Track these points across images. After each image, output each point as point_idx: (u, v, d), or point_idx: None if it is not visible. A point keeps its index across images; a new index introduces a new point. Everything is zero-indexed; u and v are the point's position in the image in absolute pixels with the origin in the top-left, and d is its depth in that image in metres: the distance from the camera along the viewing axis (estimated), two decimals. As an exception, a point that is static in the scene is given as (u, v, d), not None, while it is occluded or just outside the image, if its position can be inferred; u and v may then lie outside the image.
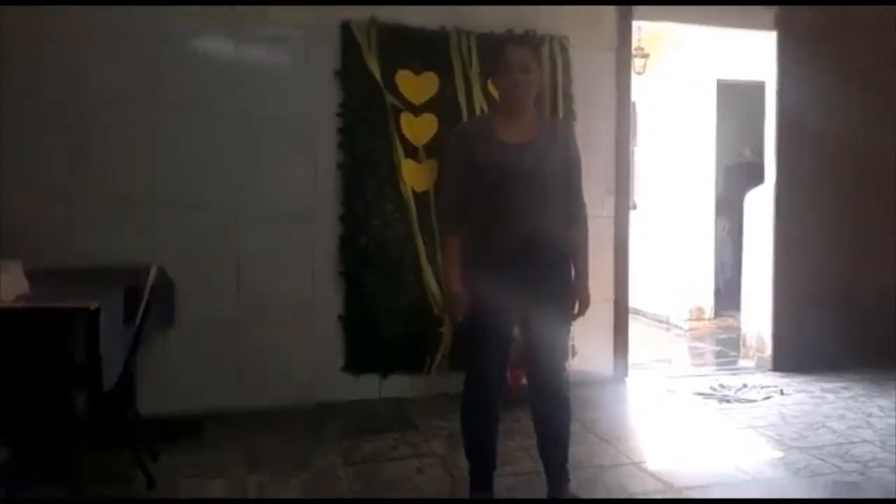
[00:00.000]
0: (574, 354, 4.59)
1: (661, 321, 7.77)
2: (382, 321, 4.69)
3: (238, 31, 4.52)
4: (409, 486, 3.46)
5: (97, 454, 3.64)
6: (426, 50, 4.74)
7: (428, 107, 4.74)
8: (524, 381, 4.36)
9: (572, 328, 3.24)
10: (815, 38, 5.48)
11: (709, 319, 7.56)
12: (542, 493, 3.26)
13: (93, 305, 2.85)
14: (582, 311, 3.15)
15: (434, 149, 4.70)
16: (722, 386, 5.15)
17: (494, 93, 4.64)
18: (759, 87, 5.94)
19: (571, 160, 3.09)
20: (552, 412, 3.16)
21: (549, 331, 3.07)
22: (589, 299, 3.15)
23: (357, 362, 4.72)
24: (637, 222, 5.99)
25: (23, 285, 3.01)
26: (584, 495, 3.19)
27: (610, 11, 5.19)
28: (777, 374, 5.47)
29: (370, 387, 4.77)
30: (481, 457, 3.16)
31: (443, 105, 4.74)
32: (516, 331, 3.14)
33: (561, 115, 4.93)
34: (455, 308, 3.03)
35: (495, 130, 3.02)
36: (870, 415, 4.50)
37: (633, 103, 5.61)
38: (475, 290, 3.00)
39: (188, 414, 4.28)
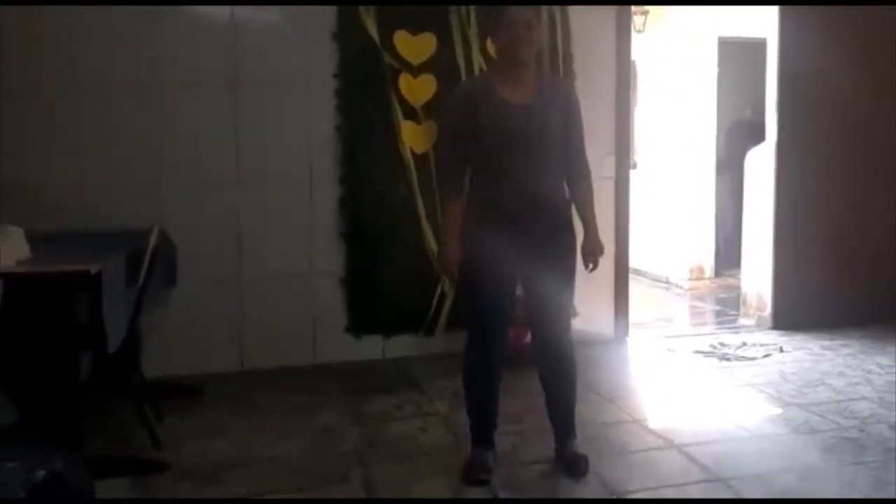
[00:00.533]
0: (575, 315, 4.60)
1: (661, 281, 7.79)
2: (384, 282, 4.72)
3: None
4: (412, 444, 3.49)
5: (103, 415, 3.70)
6: (424, 10, 4.70)
7: (426, 67, 4.71)
8: (528, 339, 4.43)
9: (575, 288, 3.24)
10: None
11: (709, 279, 7.58)
12: (546, 451, 3.30)
13: (94, 269, 2.86)
14: (595, 260, 3.12)
15: (433, 109, 4.69)
16: (722, 344, 5.18)
17: (493, 51, 4.68)
18: (760, 45, 5.89)
19: (573, 118, 3.07)
20: (558, 372, 3.18)
21: (553, 292, 3.07)
22: (602, 247, 3.15)
23: (359, 324, 4.76)
24: (637, 182, 5.98)
25: (24, 250, 3.01)
26: (587, 452, 3.21)
27: (610, -32, 5.13)
28: (777, 332, 5.49)
29: (373, 348, 4.80)
30: (482, 416, 3.19)
31: (441, 65, 4.71)
32: (519, 290, 3.14)
33: (560, 74, 4.89)
34: (448, 272, 3.07)
35: (497, 90, 2.98)
36: (869, 372, 4.53)
37: (633, 62, 5.56)
38: (476, 250, 3.00)
39: (190, 376, 4.33)
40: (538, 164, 2.98)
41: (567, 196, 3.14)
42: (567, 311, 3.18)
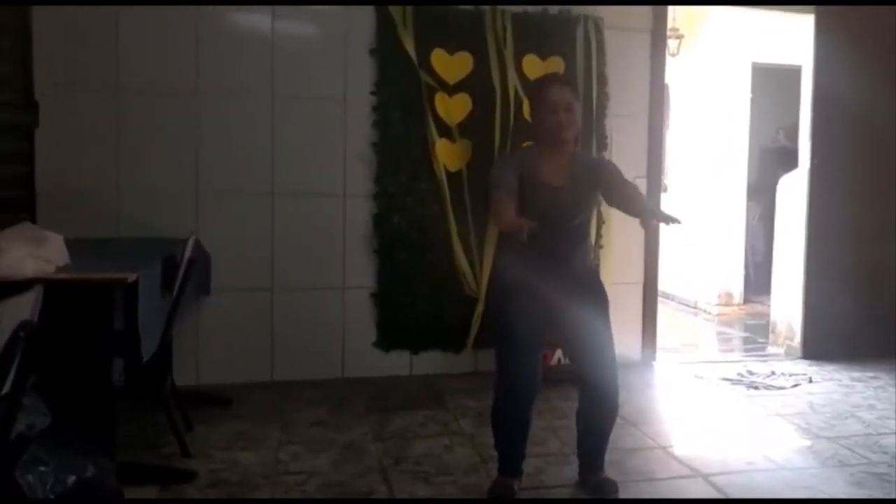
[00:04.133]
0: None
1: (689, 306, 7.75)
2: (414, 299, 4.75)
3: (274, 10, 4.53)
4: (437, 463, 3.49)
5: (133, 422, 3.73)
6: (461, 29, 4.73)
7: (462, 86, 4.74)
8: (553, 361, 4.43)
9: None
10: (854, 22, 5.40)
11: (738, 305, 7.54)
12: (570, 473, 3.31)
13: (131, 277, 2.91)
14: (670, 217, 2.82)
15: (468, 128, 4.72)
16: (750, 372, 5.14)
17: (530, 73, 4.71)
18: (793, 72, 5.88)
19: (612, 180, 3.06)
20: (604, 413, 3.18)
21: (595, 330, 3.08)
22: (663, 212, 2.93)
23: (388, 339, 4.78)
24: (668, 205, 5.96)
25: (64, 256, 3.06)
26: (610, 477, 3.20)
27: (646, -8, 5.15)
28: (806, 361, 5.44)
29: (401, 363, 4.82)
30: (510, 451, 3.17)
31: (477, 85, 4.74)
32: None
33: (595, 96, 4.91)
34: (519, 227, 2.85)
35: (540, 169, 3.04)
36: (899, 405, 4.48)
37: (666, 85, 5.57)
38: (509, 295, 3.06)
39: (221, 385, 4.37)
40: (567, 237, 3.07)
41: (593, 263, 3.22)
42: (612, 351, 3.14)
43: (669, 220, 2.76)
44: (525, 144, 3.81)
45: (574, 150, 3.13)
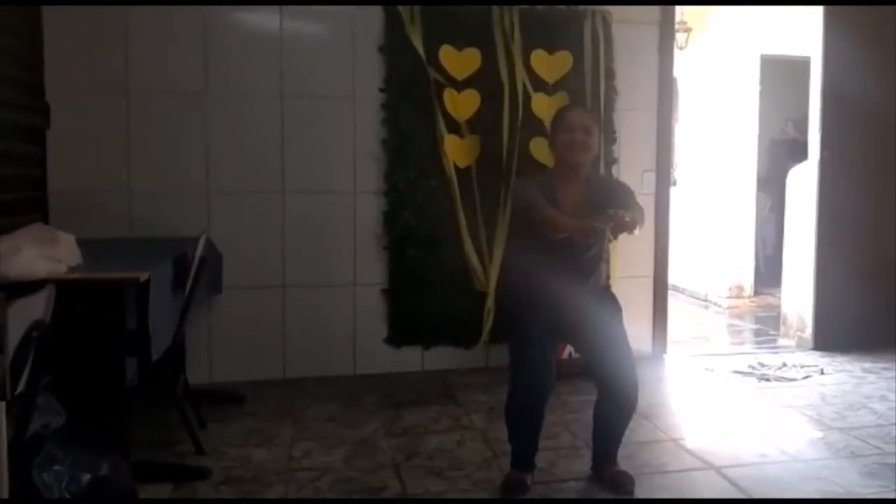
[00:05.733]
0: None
1: (700, 298, 7.74)
2: (425, 294, 4.75)
3: (282, 10, 4.55)
4: (449, 458, 3.50)
5: (147, 420, 3.75)
6: (469, 25, 4.73)
7: (470, 82, 4.74)
8: (564, 355, 4.43)
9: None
10: (863, 13, 5.38)
11: (748, 297, 7.52)
12: (583, 467, 3.32)
13: (143, 277, 2.92)
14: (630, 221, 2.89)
15: (476, 124, 4.72)
16: (761, 364, 5.14)
17: (538, 69, 4.71)
18: (802, 63, 5.85)
19: (625, 200, 3.10)
20: (621, 419, 3.19)
21: (612, 333, 3.10)
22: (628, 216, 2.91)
23: (399, 335, 4.79)
24: (677, 199, 5.96)
25: (76, 256, 3.08)
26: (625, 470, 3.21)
27: (654, -15, 5.14)
28: (817, 353, 5.44)
29: (412, 359, 4.83)
30: (524, 445, 3.17)
31: (485, 81, 4.74)
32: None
33: (602, 91, 4.91)
34: (586, 226, 2.95)
35: (556, 195, 3.08)
36: (912, 396, 4.47)
37: (675, 79, 5.55)
38: (525, 296, 3.09)
39: (233, 383, 4.40)
40: (583, 263, 3.12)
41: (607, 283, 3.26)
42: (632, 355, 3.14)
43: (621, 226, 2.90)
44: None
45: (590, 174, 3.17)
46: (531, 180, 3.41)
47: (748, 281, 7.57)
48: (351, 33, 4.64)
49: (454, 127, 4.72)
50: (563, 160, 3.11)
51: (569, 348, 4.57)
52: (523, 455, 3.17)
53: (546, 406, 3.13)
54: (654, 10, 5.14)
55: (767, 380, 4.79)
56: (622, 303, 3.22)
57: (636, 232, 2.98)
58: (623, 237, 3.15)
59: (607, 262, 3.35)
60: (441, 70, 4.68)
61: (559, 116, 3.16)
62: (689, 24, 7.37)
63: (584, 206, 3.08)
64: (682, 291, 7.80)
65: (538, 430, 3.16)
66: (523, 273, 3.14)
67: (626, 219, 2.84)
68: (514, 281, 3.19)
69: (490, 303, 4.72)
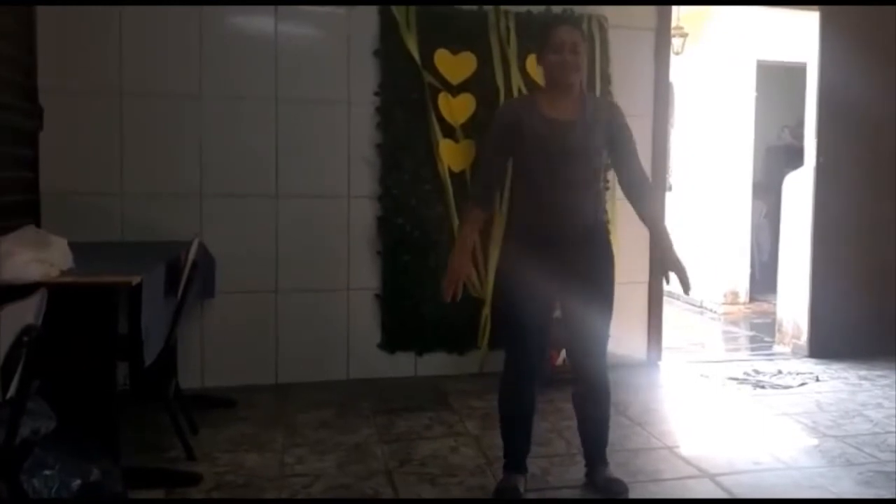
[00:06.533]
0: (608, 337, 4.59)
1: (695, 305, 7.73)
2: (419, 300, 4.74)
3: (277, 13, 4.53)
4: (443, 464, 3.48)
5: (138, 426, 3.73)
6: (464, 29, 4.73)
7: (465, 87, 4.73)
8: (559, 361, 4.42)
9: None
10: (859, 19, 5.38)
11: (744, 304, 7.52)
12: (577, 474, 3.30)
13: (135, 280, 2.90)
14: (684, 281, 2.97)
15: (471, 129, 4.71)
16: (756, 371, 5.13)
17: (534, 73, 4.69)
18: (799, 69, 5.85)
19: (623, 136, 3.05)
20: (592, 399, 3.17)
21: (590, 319, 3.06)
22: (681, 265, 3.00)
23: (393, 340, 4.78)
24: (673, 204, 5.95)
25: (68, 260, 3.05)
26: (619, 478, 3.20)
27: (649, -9, 5.14)
28: (813, 360, 5.43)
29: (406, 365, 4.82)
30: (516, 439, 3.17)
31: (480, 85, 4.73)
32: (557, 313, 3.14)
33: (598, 95, 4.90)
34: (454, 284, 2.97)
35: (541, 107, 3.00)
36: (907, 403, 4.46)
37: (671, 84, 5.55)
38: (515, 273, 3.02)
39: (225, 388, 4.37)
40: (577, 182, 2.98)
41: (605, 219, 3.14)
42: (604, 339, 3.14)
43: (681, 282, 2.95)
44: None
45: (583, 93, 3.10)
46: (509, 109, 3.25)
47: (744, 287, 7.57)
48: (346, 37, 4.62)
49: (449, 131, 4.71)
50: (553, 80, 3.03)
51: (563, 354, 4.56)
52: (516, 452, 3.16)
53: (537, 393, 3.13)
54: (650, 16, 5.14)
55: (762, 387, 4.78)
56: (617, 309, 3.20)
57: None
58: (618, 240, 3.13)
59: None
60: (436, 74, 4.67)
61: (547, 35, 3.02)
62: (685, 30, 7.37)
63: (580, 115, 2.99)
64: (678, 298, 7.77)
65: (531, 422, 3.15)
66: (516, 247, 3.06)
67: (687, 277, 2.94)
68: (507, 260, 3.13)
69: (487, 310, 4.70)
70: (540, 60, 3.11)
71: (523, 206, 3.06)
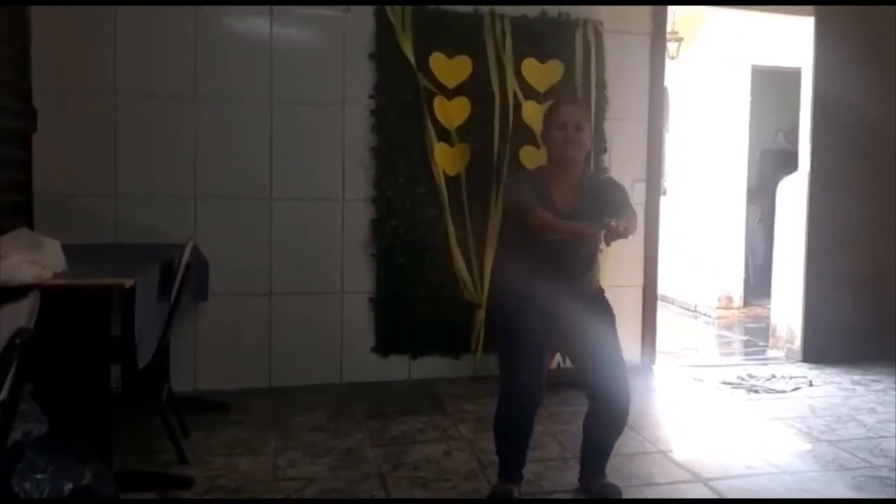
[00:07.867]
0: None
1: (689, 309, 7.74)
2: (413, 303, 4.73)
3: (272, 14, 4.53)
4: (436, 469, 3.47)
5: (130, 429, 3.72)
6: (460, 32, 4.73)
7: (461, 90, 4.73)
8: (552, 365, 4.41)
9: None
10: (854, 23, 5.39)
11: (738, 308, 7.54)
12: (570, 479, 3.30)
13: (128, 283, 2.89)
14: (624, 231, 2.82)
15: (466, 132, 4.71)
16: (750, 376, 5.13)
17: (530, 77, 4.70)
18: (793, 74, 5.86)
19: (621, 204, 3.04)
20: (611, 432, 3.17)
21: (605, 348, 3.06)
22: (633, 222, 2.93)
23: (387, 343, 4.77)
24: (667, 208, 5.96)
25: (61, 262, 3.04)
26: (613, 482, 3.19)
27: (645, -5, 5.15)
28: (806, 365, 5.44)
29: (400, 368, 4.81)
30: (512, 455, 3.14)
31: (476, 88, 4.73)
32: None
33: (593, 101, 4.90)
34: (579, 231, 2.89)
35: (550, 192, 3.03)
36: (900, 408, 4.47)
37: (666, 88, 5.56)
38: (517, 302, 3.03)
39: (218, 391, 4.36)
40: (577, 261, 3.06)
41: (600, 284, 3.24)
42: (624, 366, 3.12)
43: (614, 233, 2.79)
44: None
45: (583, 170, 3.14)
46: (523, 177, 3.40)
47: (738, 292, 7.58)
48: (341, 40, 4.62)
49: (444, 135, 4.70)
50: (556, 157, 3.07)
51: (557, 358, 4.56)
52: (511, 467, 3.15)
53: (535, 417, 3.11)
54: (645, 20, 5.14)
55: (756, 391, 4.79)
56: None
57: (629, 237, 2.93)
58: (615, 243, 3.11)
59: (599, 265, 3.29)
60: (431, 77, 4.66)
61: (551, 113, 3.10)
62: (680, 34, 7.38)
63: (578, 204, 3.04)
64: (672, 302, 7.80)
65: (527, 441, 3.14)
66: (515, 276, 3.09)
67: (621, 228, 2.81)
68: (505, 285, 3.14)
69: (482, 314, 4.69)
70: (544, 138, 3.15)
71: (524, 257, 3.05)
